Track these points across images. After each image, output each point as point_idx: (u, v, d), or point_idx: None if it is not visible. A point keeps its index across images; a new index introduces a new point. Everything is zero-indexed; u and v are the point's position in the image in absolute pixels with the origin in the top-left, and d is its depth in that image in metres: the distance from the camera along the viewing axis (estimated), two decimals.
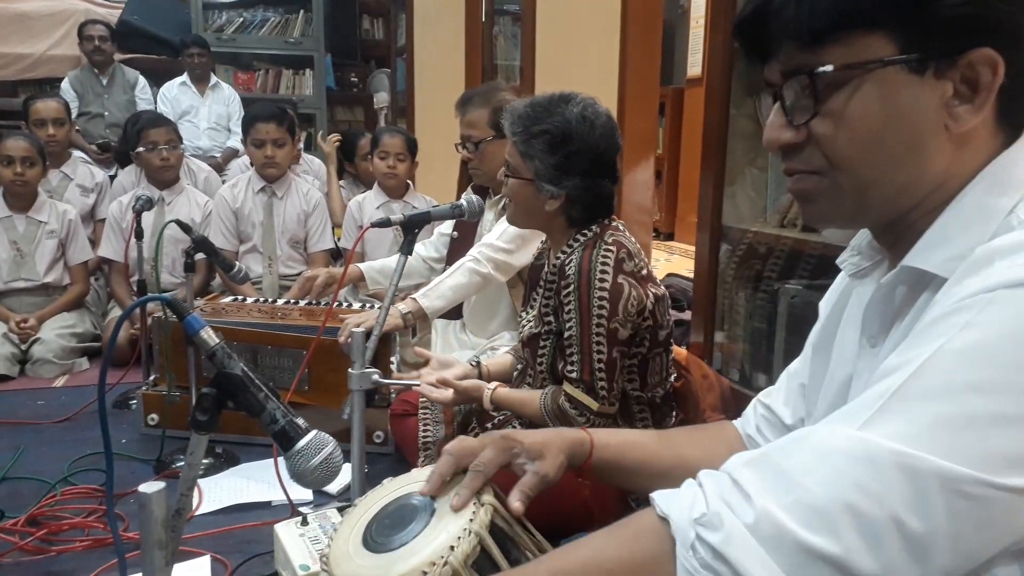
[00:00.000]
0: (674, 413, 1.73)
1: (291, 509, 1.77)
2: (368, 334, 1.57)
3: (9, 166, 3.17)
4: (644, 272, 1.62)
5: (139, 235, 2.57)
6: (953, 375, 0.59)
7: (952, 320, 0.61)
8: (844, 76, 0.69)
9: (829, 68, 0.69)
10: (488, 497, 0.94)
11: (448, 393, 1.67)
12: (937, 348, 0.61)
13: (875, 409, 0.62)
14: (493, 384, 1.71)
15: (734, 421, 1.10)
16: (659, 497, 0.70)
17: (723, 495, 0.65)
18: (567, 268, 1.59)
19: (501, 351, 2.39)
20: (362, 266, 2.58)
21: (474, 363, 1.84)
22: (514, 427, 1.75)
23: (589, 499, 1.54)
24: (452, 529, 0.90)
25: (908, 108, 0.69)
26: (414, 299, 2.20)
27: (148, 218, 2.89)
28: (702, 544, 0.63)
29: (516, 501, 0.90)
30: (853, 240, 0.85)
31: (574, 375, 1.57)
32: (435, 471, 0.93)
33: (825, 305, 0.96)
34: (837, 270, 0.98)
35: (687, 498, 0.68)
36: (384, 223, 1.73)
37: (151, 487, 1.00)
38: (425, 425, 1.96)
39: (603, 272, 1.55)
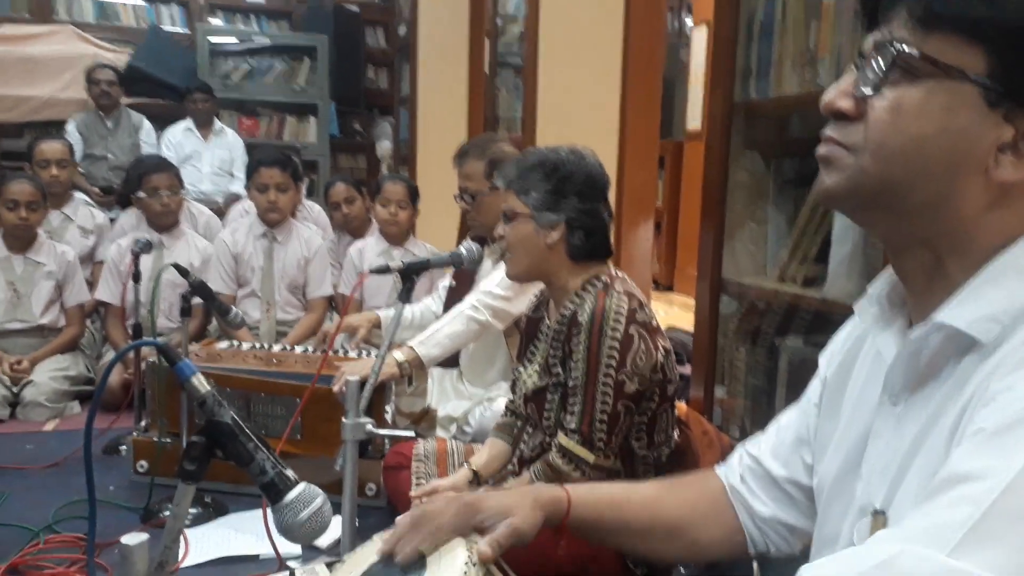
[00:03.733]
0: (675, 472, 1.70)
1: (279, 563, 1.73)
2: (363, 383, 1.55)
3: (13, 210, 3.17)
4: (654, 323, 1.62)
5: (136, 278, 2.56)
6: None
7: None
8: (925, 68, 0.67)
9: (916, 52, 0.67)
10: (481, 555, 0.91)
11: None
12: None
13: (965, 531, 0.56)
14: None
15: (716, 469, 1.07)
16: None
17: None
18: (579, 317, 1.58)
19: (498, 403, 2.36)
20: (380, 313, 2.62)
21: (471, 471, 1.80)
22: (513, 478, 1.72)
23: (584, 558, 1.50)
24: None
25: (963, 130, 0.67)
26: (411, 347, 2.18)
27: (147, 261, 2.88)
28: None
29: (485, 546, 0.87)
30: (871, 288, 0.82)
31: (572, 426, 1.55)
32: (393, 535, 0.92)
33: (829, 358, 0.93)
34: (836, 326, 0.96)
35: None
36: (383, 270, 1.72)
37: (134, 539, 0.98)
38: (419, 479, 1.93)
39: (616, 322, 1.54)
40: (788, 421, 0.98)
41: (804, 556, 0.98)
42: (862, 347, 0.86)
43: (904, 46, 0.68)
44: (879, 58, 0.70)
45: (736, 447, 1.06)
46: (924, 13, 0.67)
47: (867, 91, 0.70)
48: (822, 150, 0.75)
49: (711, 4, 2.21)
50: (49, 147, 3.82)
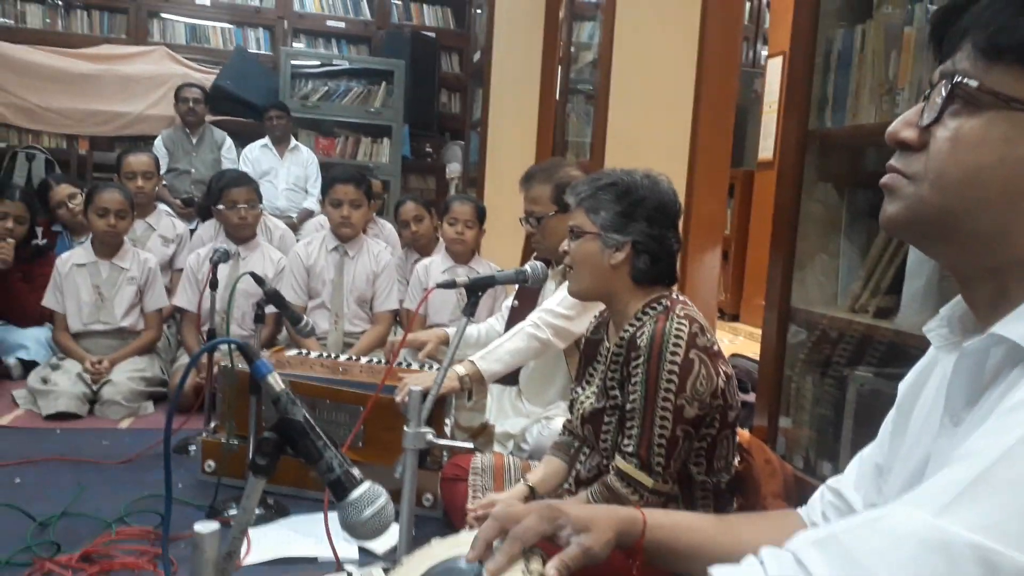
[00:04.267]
0: (734, 499, 1.68)
1: (337, 566, 1.76)
2: (425, 394, 1.58)
3: (103, 217, 3.34)
4: (715, 348, 1.60)
5: (214, 286, 2.66)
6: None
7: None
8: (985, 99, 0.68)
9: (976, 83, 0.68)
10: (536, 565, 0.92)
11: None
12: None
13: (955, 494, 0.58)
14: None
15: (798, 509, 1.05)
16: (717, 573, 0.68)
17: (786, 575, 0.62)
18: (638, 340, 1.57)
19: (556, 422, 2.37)
20: (447, 330, 2.67)
21: (528, 487, 1.81)
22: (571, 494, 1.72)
23: None
24: None
25: (1022, 159, 0.67)
26: (472, 362, 2.20)
27: (223, 271, 3.00)
28: None
29: (552, 569, 0.87)
30: (943, 310, 0.82)
31: (630, 449, 1.54)
32: (479, 535, 0.92)
33: (905, 386, 0.92)
34: (909, 358, 0.94)
35: None
36: (450, 284, 1.76)
37: (206, 527, 1.01)
38: (475, 492, 1.94)
39: (676, 346, 1.53)
40: (869, 452, 0.96)
41: None
42: (932, 372, 0.85)
43: (965, 78, 0.69)
44: (944, 90, 0.70)
45: (819, 487, 1.04)
46: (987, 44, 0.68)
47: (928, 121, 0.71)
48: (885, 179, 0.76)
49: (787, 35, 2.21)
50: (136, 160, 4.02)
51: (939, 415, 0.77)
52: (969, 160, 0.68)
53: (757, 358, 2.20)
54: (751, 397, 2.24)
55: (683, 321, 1.56)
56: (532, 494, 1.77)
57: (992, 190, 0.68)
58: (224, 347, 2.73)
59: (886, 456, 0.91)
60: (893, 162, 0.75)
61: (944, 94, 0.70)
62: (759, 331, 2.17)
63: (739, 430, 1.69)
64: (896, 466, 0.85)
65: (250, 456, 2.12)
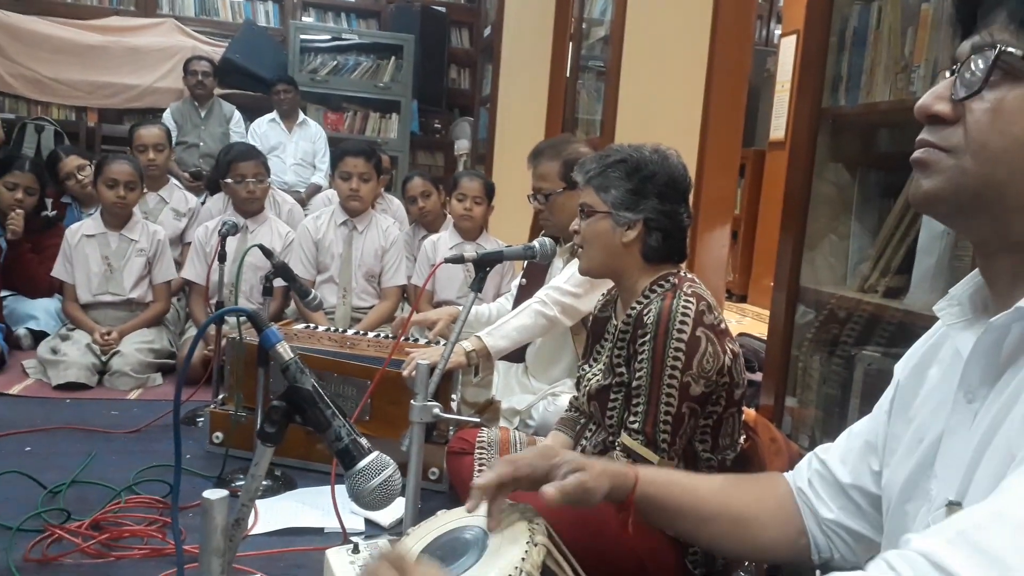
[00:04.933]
0: None
1: (343, 537, 1.78)
2: (432, 368, 1.58)
3: (113, 188, 3.35)
4: (722, 326, 1.60)
5: (222, 258, 2.67)
6: None
7: None
8: None
9: (1020, 52, 0.67)
10: (541, 538, 0.93)
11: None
12: None
13: None
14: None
15: (785, 474, 1.07)
16: None
17: None
18: (645, 317, 1.56)
19: (562, 398, 2.37)
20: (459, 309, 2.67)
21: None
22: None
23: (642, 553, 1.50)
24: (503, 566, 0.89)
25: None
26: (478, 337, 2.21)
27: (231, 244, 3.00)
28: None
29: (550, 488, 0.92)
30: (954, 289, 0.82)
31: (635, 426, 1.54)
32: (478, 483, 0.97)
33: (903, 367, 0.93)
34: (917, 337, 0.94)
35: None
36: (458, 259, 1.76)
37: (214, 494, 1.02)
38: (481, 465, 1.95)
39: (682, 323, 1.52)
40: (859, 428, 0.98)
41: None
42: (938, 352, 0.85)
43: (1008, 47, 0.68)
44: (979, 60, 0.69)
45: (808, 454, 1.05)
46: None
47: (966, 93, 0.70)
48: (918, 154, 0.75)
49: (801, 14, 2.18)
50: (148, 132, 4.01)
51: (951, 391, 0.77)
52: (1014, 130, 0.68)
53: (764, 338, 2.20)
54: (758, 376, 2.24)
55: (690, 299, 1.56)
56: None
57: None
58: (232, 319, 2.75)
59: (882, 437, 0.91)
60: (926, 136, 0.74)
61: (982, 65, 0.69)
62: (767, 312, 2.17)
63: (745, 409, 1.69)
64: (902, 444, 0.85)
65: (258, 426, 2.13)
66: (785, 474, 1.07)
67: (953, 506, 0.71)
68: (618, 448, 1.56)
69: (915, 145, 0.75)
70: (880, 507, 0.90)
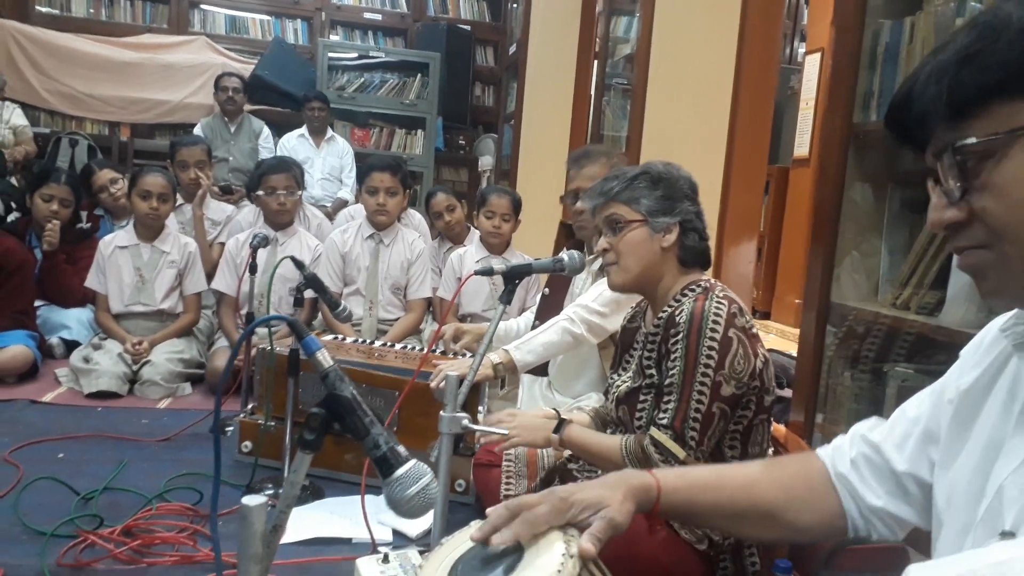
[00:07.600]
0: None
1: (372, 547, 1.79)
2: (461, 380, 1.59)
3: (146, 199, 3.41)
4: (753, 330, 1.61)
5: (253, 270, 2.71)
6: None
7: None
8: (989, 146, 0.69)
9: (972, 140, 0.69)
10: (576, 548, 0.93)
11: (508, 431, 1.68)
12: None
13: None
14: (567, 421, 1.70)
15: (819, 451, 1.06)
16: None
17: None
18: (677, 317, 1.58)
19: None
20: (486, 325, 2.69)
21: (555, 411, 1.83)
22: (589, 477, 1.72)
23: (670, 566, 1.50)
24: None
25: None
26: (506, 350, 2.22)
27: (261, 256, 3.04)
28: None
29: (586, 543, 0.90)
30: (1019, 308, 0.81)
31: (664, 421, 1.54)
32: (489, 519, 0.94)
33: (971, 358, 0.89)
34: (951, 353, 0.93)
35: None
36: (487, 271, 1.77)
37: (253, 500, 1.04)
38: (508, 478, 1.95)
39: (715, 323, 1.54)
40: (917, 415, 0.95)
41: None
42: (1004, 369, 0.84)
43: (959, 142, 0.70)
44: (948, 164, 0.72)
45: (849, 432, 1.03)
46: (951, 110, 0.70)
47: (959, 195, 0.72)
48: (963, 262, 0.76)
49: (826, 33, 2.19)
50: (190, 152, 4.10)
51: (1014, 413, 0.77)
52: (1020, 198, 0.69)
53: (791, 354, 2.19)
54: (787, 392, 2.23)
55: (722, 301, 1.58)
56: (558, 417, 1.76)
57: None
58: (261, 330, 2.78)
59: (944, 429, 0.89)
60: (957, 242, 0.75)
61: (956, 166, 0.71)
62: (791, 329, 2.16)
63: (775, 424, 1.69)
64: (960, 457, 0.84)
65: (287, 435, 2.16)
66: (819, 452, 1.05)
67: (1006, 536, 0.70)
68: (647, 441, 1.55)
69: (954, 252, 0.77)
70: (930, 494, 0.90)
